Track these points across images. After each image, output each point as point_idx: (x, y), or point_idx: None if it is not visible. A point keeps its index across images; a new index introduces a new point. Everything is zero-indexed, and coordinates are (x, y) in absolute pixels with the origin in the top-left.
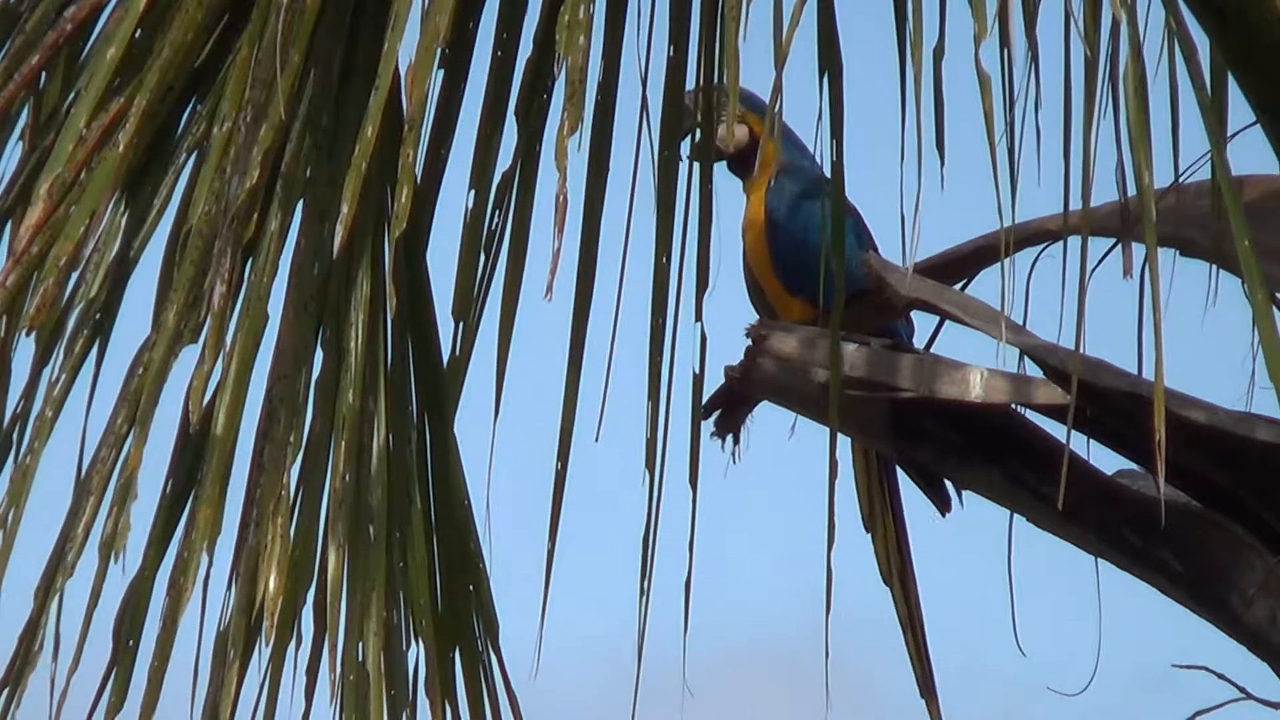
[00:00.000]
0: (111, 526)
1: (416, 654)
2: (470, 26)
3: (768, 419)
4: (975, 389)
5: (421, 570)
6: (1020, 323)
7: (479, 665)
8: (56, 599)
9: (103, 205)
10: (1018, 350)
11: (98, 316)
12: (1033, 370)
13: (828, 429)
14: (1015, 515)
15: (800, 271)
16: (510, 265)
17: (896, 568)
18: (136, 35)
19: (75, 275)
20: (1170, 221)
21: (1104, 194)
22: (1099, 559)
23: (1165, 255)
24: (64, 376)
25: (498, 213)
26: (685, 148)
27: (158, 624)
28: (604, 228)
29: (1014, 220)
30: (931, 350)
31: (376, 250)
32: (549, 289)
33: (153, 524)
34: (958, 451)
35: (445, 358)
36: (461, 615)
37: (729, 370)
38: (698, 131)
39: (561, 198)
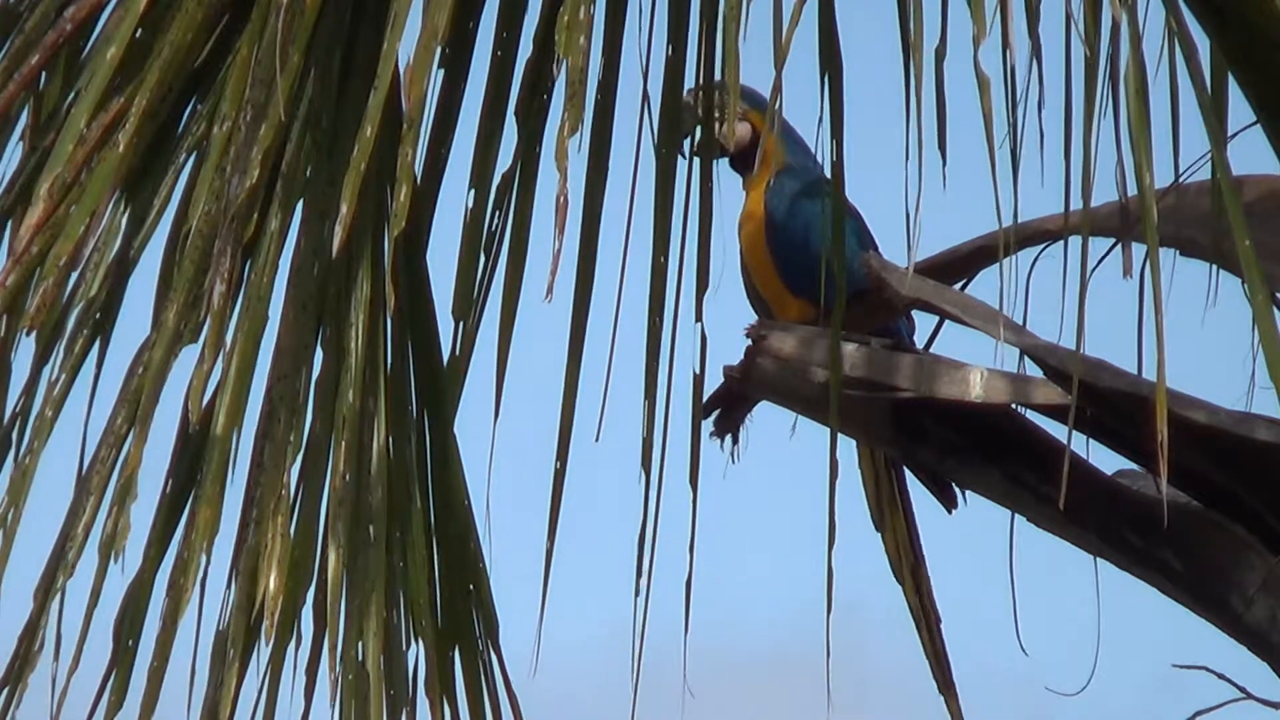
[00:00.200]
0: (111, 526)
1: (416, 653)
2: (470, 26)
3: (768, 419)
4: (975, 389)
5: (421, 570)
6: (1020, 323)
7: (479, 665)
8: (56, 599)
9: (103, 205)
10: (1018, 350)
11: (98, 316)
12: (1033, 370)
13: (828, 429)
14: (1015, 515)
15: (799, 271)
16: (510, 265)
17: (909, 565)
18: (136, 35)
19: (75, 275)
20: (1170, 221)
21: (1104, 194)
22: (1099, 559)
23: (1165, 255)
24: (64, 376)
25: (498, 213)
26: (686, 145)
27: (158, 624)
28: (604, 228)
29: (1014, 220)
30: (931, 350)
31: (376, 250)
32: (549, 289)
33: (153, 524)
34: (958, 451)
35: (445, 358)
36: (461, 615)
37: (728, 370)
38: (699, 130)
39: (562, 198)
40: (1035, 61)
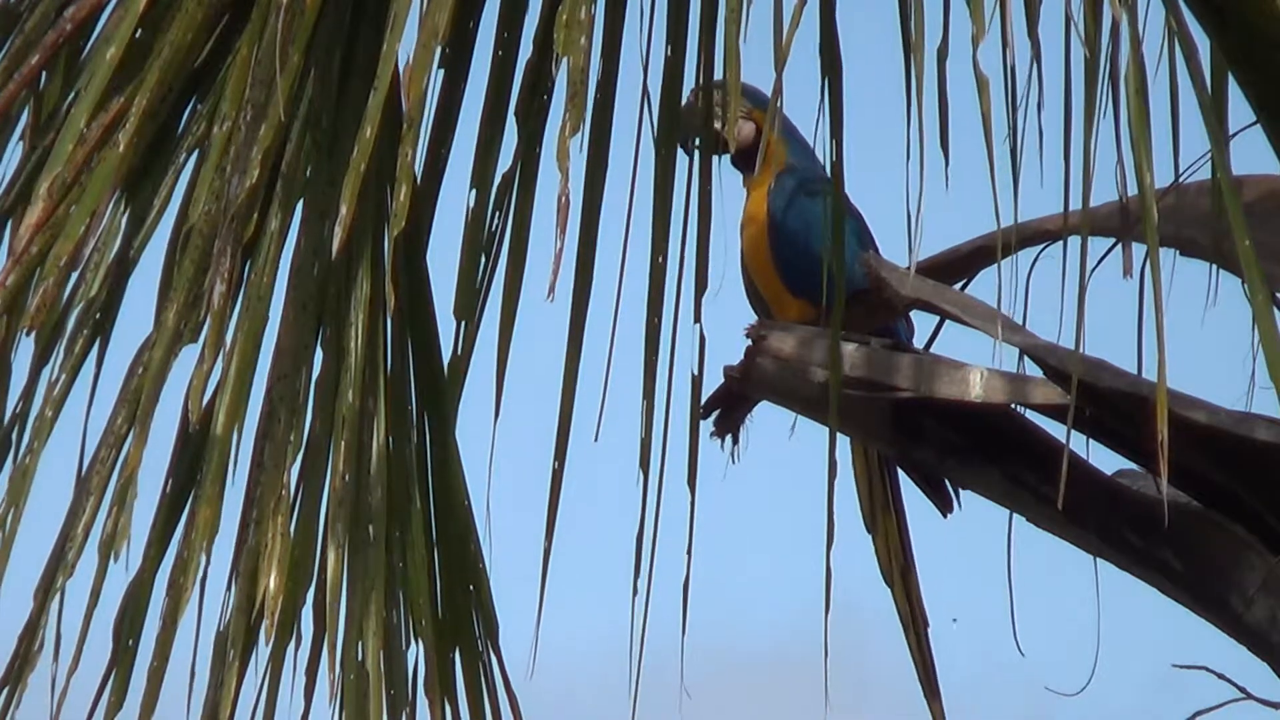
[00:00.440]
0: (111, 526)
1: (416, 654)
2: (470, 26)
3: (768, 419)
4: (975, 389)
5: (421, 570)
6: (1020, 322)
7: (479, 665)
8: (56, 599)
9: (103, 205)
10: (1017, 350)
11: (98, 316)
12: (1032, 370)
13: (827, 429)
14: (1015, 515)
15: (800, 272)
16: (510, 265)
17: (899, 568)
18: (136, 35)
19: (75, 275)
20: (1170, 221)
21: (1104, 194)
22: (1099, 559)
23: (1165, 255)
24: (64, 376)
25: (498, 213)
26: (691, 143)
27: (158, 624)
28: (603, 228)
29: (1014, 220)
30: (931, 350)
31: (376, 250)
32: (551, 289)
33: (153, 524)
34: (958, 451)
35: (445, 358)
36: (461, 615)
37: (728, 370)
38: (703, 129)
39: (564, 198)
40: (1035, 61)
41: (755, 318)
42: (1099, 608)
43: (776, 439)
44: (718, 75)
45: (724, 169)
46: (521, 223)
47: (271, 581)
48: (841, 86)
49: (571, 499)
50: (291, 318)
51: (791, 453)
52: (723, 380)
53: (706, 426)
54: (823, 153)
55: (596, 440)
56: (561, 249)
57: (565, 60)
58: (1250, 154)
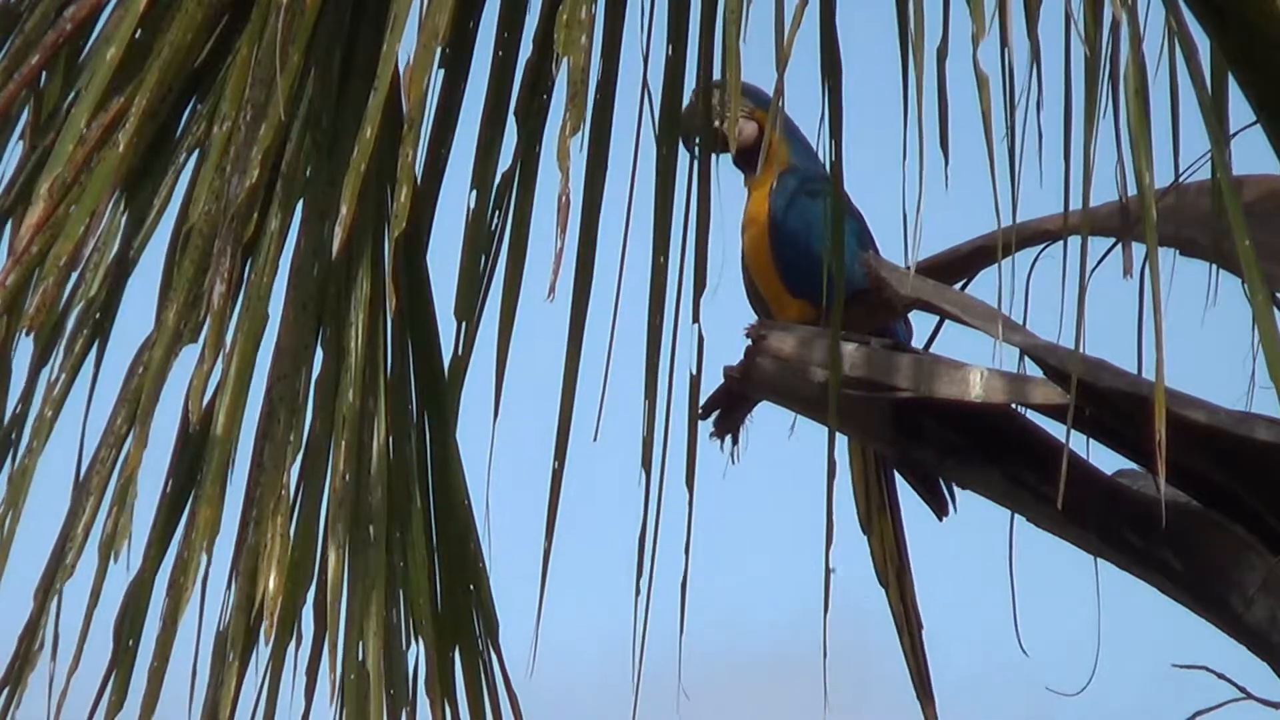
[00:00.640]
0: (111, 526)
1: (416, 653)
2: (470, 26)
3: (769, 419)
4: (975, 389)
5: (421, 570)
6: (1020, 322)
7: (479, 665)
8: (56, 599)
9: (103, 205)
10: (1017, 350)
11: (97, 316)
12: (1032, 370)
13: (827, 429)
14: (1015, 515)
15: (801, 272)
16: (510, 265)
17: (894, 570)
18: (136, 35)
19: (75, 275)
20: (1170, 221)
21: (1104, 194)
22: (1099, 559)
23: (1165, 255)
24: (64, 376)
25: (498, 213)
26: (694, 142)
27: (158, 624)
28: (603, 227)
29: (1014, 220)
30: (931, 350)
31: (376, 250)
32: (551, 289)
33: (153, 524)
34: (958, 451)
35: (445, 358)
36: (461, 615)
37: (728, 370)
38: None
39: (564, 198)
40: (1035, 61)
41: (755, 318)
42: (1099, 607)
43: (777, 439)
44: (718, 75)
45: (724, 169)
46: (521, 222)
47: (271, 581)
48: (841, 86)
49: (571, 499)
50: (291, 318)
51: (793, 452)
52: (722, 380)
53: (706, 427)
54: (823, 153)
55: (596, 440)
56: (561, 249)
57: (565, 60)
58: (1250, 154)
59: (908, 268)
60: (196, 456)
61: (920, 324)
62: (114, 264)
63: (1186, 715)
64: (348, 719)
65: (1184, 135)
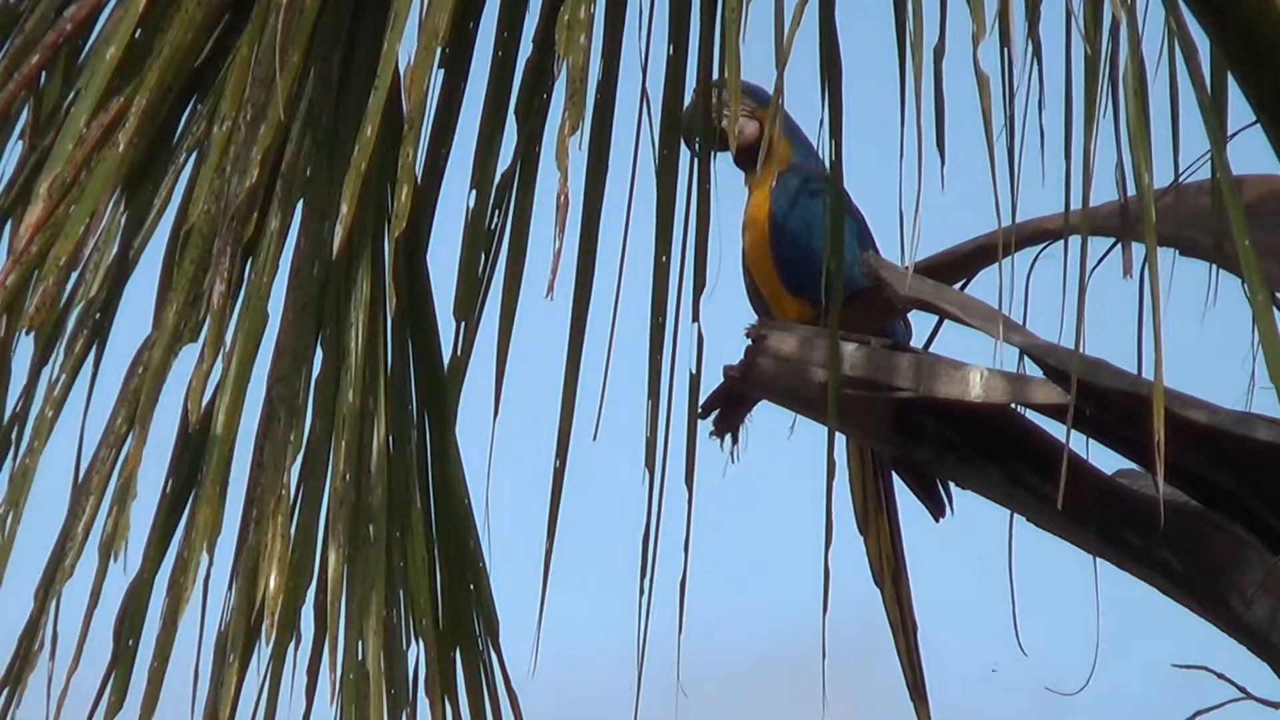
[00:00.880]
0: (111, 526)
1: (416, 653)
2: (470, 26)
3: (768, 419)
4: (975, 388)
5: (421, 569)
6: (1020, 322)
7: (479, 664)
8: (56, 599)
9: (102, 205)
10: (1017, 350)
11: (97, 316)
12: (1032, 370)
13: (827, 429)
14: (1015, 515)
15: (801, 272)
16: (510, 265)
17: (890, 571)
18: (136, 35)
19: (75, 275)
20: (1170, 221)
21: (1104, 194)
22: (1099, 559)
23: (1165, 255)
24: (64, 376)
25: (498, 213)
26: (696, 140)
27: (158, 624)
28: (603, 227)
29: (1014, 220)
30: (931, 350)
31: (376, 250)
32: (550, 289)
33: (153, 524)
34: (957, 451)
35: (445, 358)
36: (462, 614)
37: (728, 370)
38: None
39: (563, 197)
40: (1035, 61)
41: (755, 317)
42: (1098, 607)
43: (777, 439)
44: (718, 75)
45: (724, 168)
46: (521, 222)
47: (272, 581)
48: (841, 86)
49: (571, 498)
50: (291, 318)
51: (792, 453)
52: (722, 380)
53: (705, 426)
54: (823, 152)
55: (595, 439)
56: (560, 248)
57: (565, 60)
58: (1250, 154)
59: (907, 268)
60: (196, 456)
61: (920, 324)
62: (114, 264)
63: (1186, 715)
64: (347, 719)
65: (1184, 135)
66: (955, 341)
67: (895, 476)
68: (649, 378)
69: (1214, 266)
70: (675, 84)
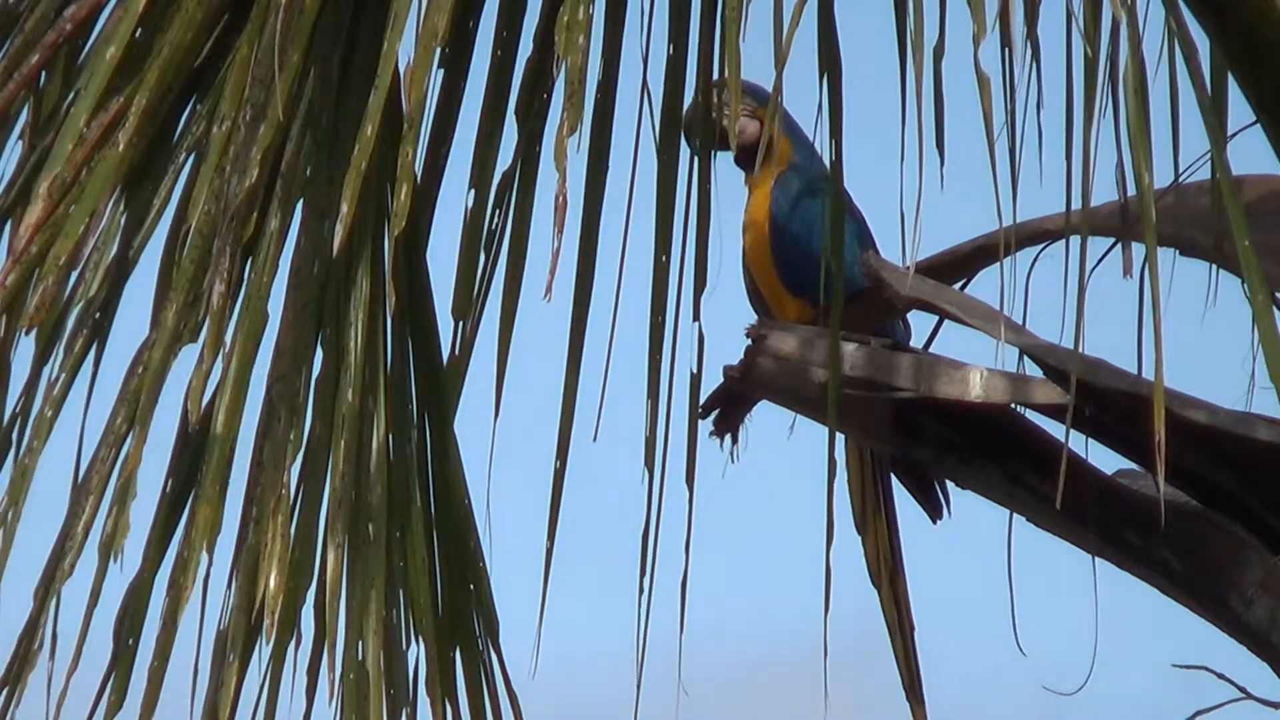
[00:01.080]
0: (111, 526)
1: (416, 653)
2: (470, 26)
3: (768, 419)
4: (975, 389)
5: (421, 569)
6: (1020, 323)
7: (479, 664)
8: (56, 599)
9: (102, 204)
10: (1017, 350)
11: (97, 316)
12: (1032, 370)
13: (827, 429)
14: (1015, 515)
15: (801, 272)
16: (510, 265)
17: (887, 571)
18: (136, 35)
19: (75, 274)
20: (1170, 221)
21: (1104, 194)
22: (1099, 559)
23: (1165, 255)
24: (63, 375)
25: (498, 212)
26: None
27: (158, 624)
28: (603, 227)
29: (1014, 220)
30: (931, 350)
31: (376, 249)
32: (548, 289)
33: (152, 524)
34: (957, 451)
35: (445, 358)
36: (462, 614)
37: (728, 370)
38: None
39: (561, 198)
40: (1035, 61)
41: (755, 317)
42: (1097, 607)
43: (777, 439)
44: (718, 75)
45: (724, 168)
46: (522, 222)
47: (272, 581)
48: (841, 85)
49: (572, 498)
50: (291, 318)
51: (792, 453)
52: (722, 380)
53: (705, 426)
54: (823, 151)
55: (595, 440)
56: (559, 249)
57: (565, 59)
58: (1250, 154)
59: (908, 268)
60: (196, 456)
61: (920, 324)
62: (113, 264)
63: (1186, 715)
64: (348, 719)
65: (1184, 135)
66: (955, 341)
67: (894, 478)
68: (648, 377)
69: (1214, 266)
70: (675, 84)
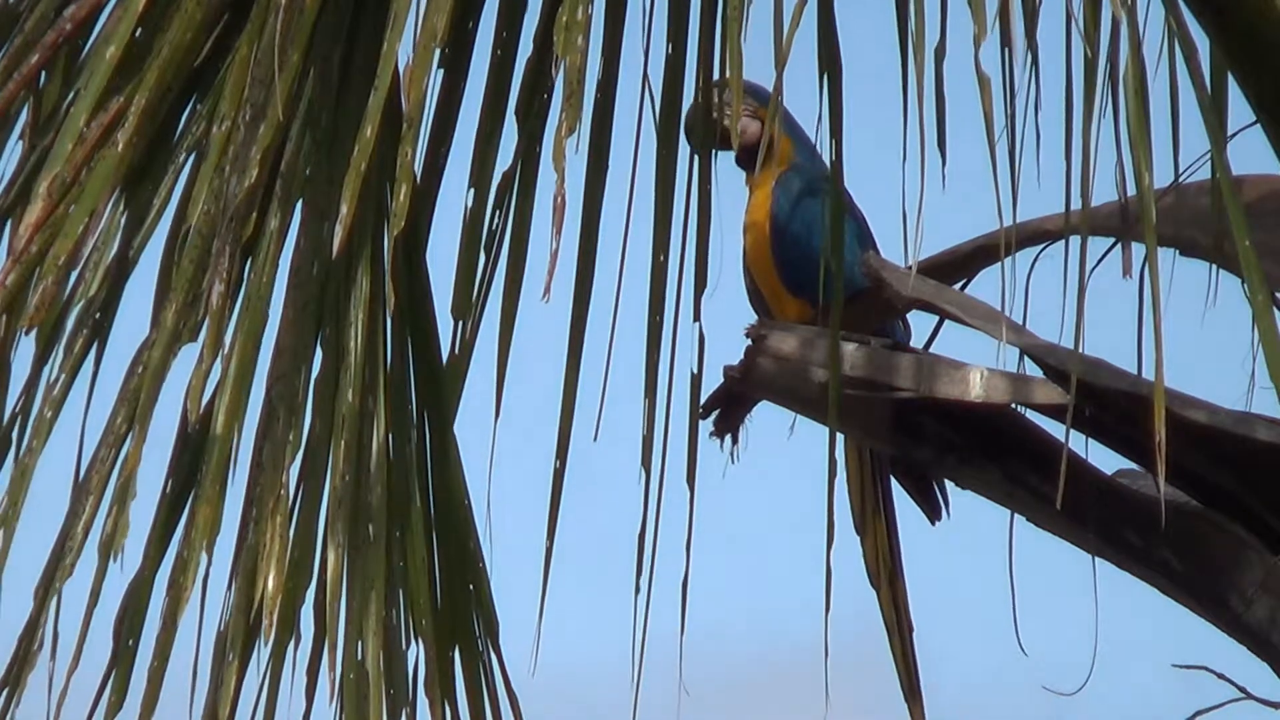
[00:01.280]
0: (111, 526)
1: (416, 653)
2: (469, 26)
3: (768, 419)
4: (975, 389)
5: (421, 570)
6: (1020, 323)
7: (479, 665)
8: (56, 599)
9: (102, 204)
10: (1018, 350)
11: (97, 315)
12: (1033, 370)
13: (827, 429)
14: (1015, 515)
15: (801, 272)
16: (510, 265)
17: (886, 572)
18: (136, 35)
19: (75, 274)
20: (1170, 221)
21: (1104, 194)
22: (1099, 559)
23: (1165, 255)
24: (63, 375)
25: (498, 212)
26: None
27: (158, 624)
28: (603, 227)
29: (1014, 220)
30: (931, 350)
31: (376, 250)
32: (547, 290)
33: (152, 524)
34: (957, 451)
35: (445, 357)
36: (461, 614)
37: (728, 370)
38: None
39: (560, 198)
40: (1035, 61)
41: (755, 317)
42: (1097, 607)
43: (777, 439)
44: (717, 74)
45: (724, 168)
46: (522, 222)
47: (271, 581)
48: (841, 85)
49: (572, 498)
50: (291, 317)
51: (793, 453)
52: (722, 380)
53: (705, 426)
54: (823, 151)
55: (596, 439)
56: (558, 249)
57: (564, 60)
58: (1250, 154)
59: (909, 268)
60: (196, 456)
61: (920, 324)
62: (113, 263)
63: (1186, 715)
64: (347, 719)
65: (1184, 135)
66: (955, 341)
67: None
68: (646, 377)
69: (1214, 266)
70: (675, 84)
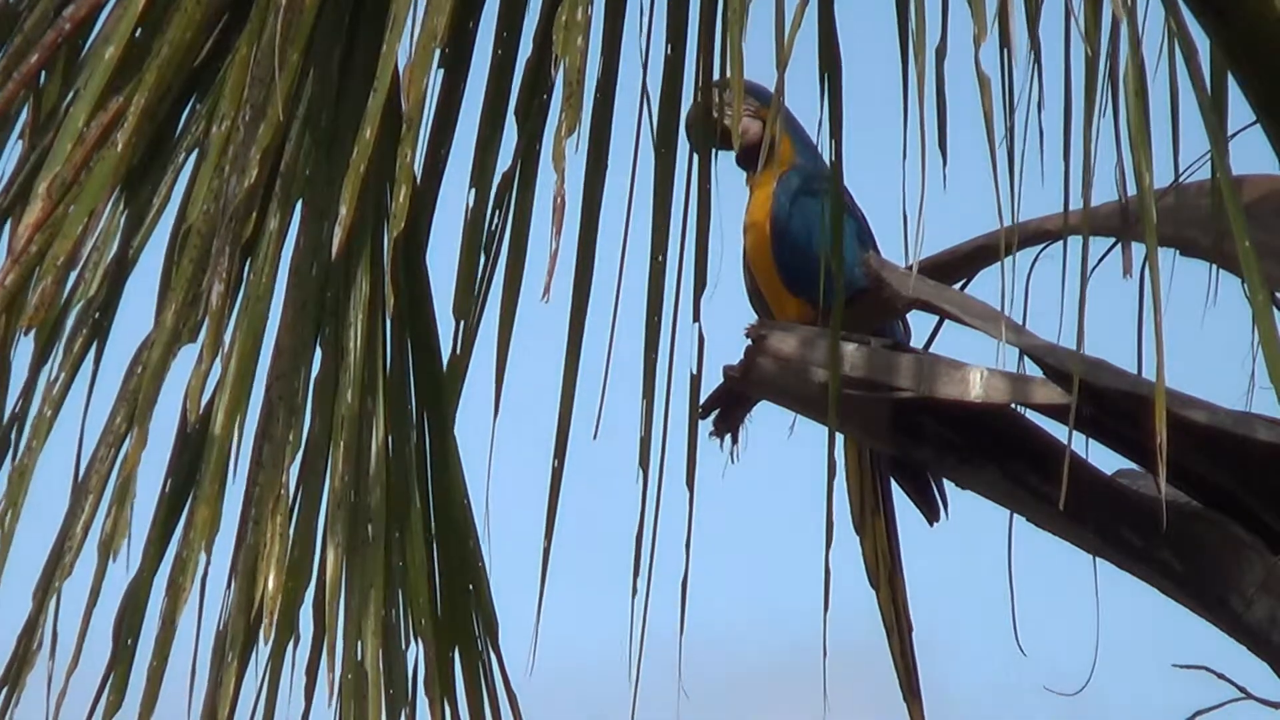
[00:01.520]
0: (110, 526)
1: (416, 653)
2: (469, 26)
3: (768, 419)
4: (975, 389)
5: (421, 570)
6: (1020, 323)
7: (479, 665)
8: (55, 599)
9: (102, 204)
10: (1018, 350)
11: (96, 315)
12: (1033, 370)
13: (827, 429)
14: (1015, 515)
15: (801, 272)
16: (510, 265)
17: (885, 572)
18: (136, 35)
19: (74, 274)
20: (1170, 221)
21: (1104, 194)
22: (1099, 559)
23: (1165, 255)
24: (63, 375)
25: (498, 213)
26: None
27: (157, 624)
28: (603, 227)
29: (1014, 220)
30: (931, 350)
31: (376, 250)
32: (546, 290)
33: (152, 523)
34: (957, 451)
35: (445, 358)
36: (461, 615)
37: (728, 370)
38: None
39: (559, 199)
40: (1035, 61)
41: (755, 317)
42: (1098, 607)
43: (777, 439)
44: (717, 75)
45: (724, 168)
46: (522, 222)
47: (271, 581)
48: (841, 85)
49: (572, 498)
50: (291, 318)
51: (793, 453)
52: (722, 380)
53: (705, 426)
54: (823, 152)
55: (595, 439)
56: (557, 250)
57: (564, 60)
58: (1250, 154)
59: (910, 268)
60: (195, 456)
61: (920, 324)
62: (113, 263)
63: (1186, 715)
64: (347, 719)
65: (1184, 135)
66: (955, 341)
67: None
68: (644, 377)
69: (1214, 266)
70: (674, 84)
